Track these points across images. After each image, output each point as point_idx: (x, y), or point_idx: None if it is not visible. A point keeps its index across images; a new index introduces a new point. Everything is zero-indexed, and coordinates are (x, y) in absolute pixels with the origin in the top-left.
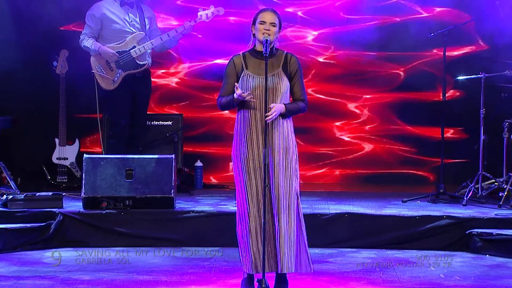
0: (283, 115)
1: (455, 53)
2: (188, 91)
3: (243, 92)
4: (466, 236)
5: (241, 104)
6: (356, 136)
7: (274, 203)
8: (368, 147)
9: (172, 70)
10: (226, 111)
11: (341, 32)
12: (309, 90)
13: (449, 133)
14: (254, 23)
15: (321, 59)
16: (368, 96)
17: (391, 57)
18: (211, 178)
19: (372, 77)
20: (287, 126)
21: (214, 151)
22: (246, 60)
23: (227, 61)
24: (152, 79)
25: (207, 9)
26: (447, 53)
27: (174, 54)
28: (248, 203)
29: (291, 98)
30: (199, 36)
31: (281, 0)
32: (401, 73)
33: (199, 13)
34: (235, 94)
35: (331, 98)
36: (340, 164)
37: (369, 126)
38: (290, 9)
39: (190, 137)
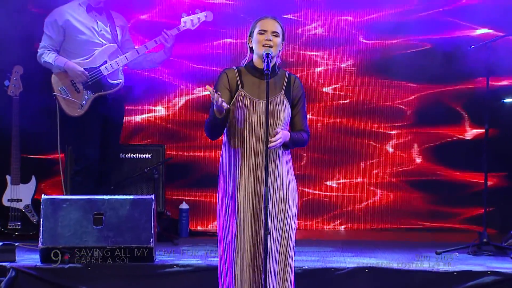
0: (285, 146)
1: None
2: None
3: (217, 94)
4: None
5: (232, 133)
6: (367, 181)
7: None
8: (382, 194)
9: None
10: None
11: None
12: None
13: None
14: (251, 34)
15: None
16: (382, 131)
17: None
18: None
19: (381, 109)
20: (288, 160)
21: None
22: (242, 77)
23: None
24: None
25: (193, 14)
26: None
27: None
28: (235, 257)
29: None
30: None
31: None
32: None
33: (182, 19)
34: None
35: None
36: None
37: (382, 170)
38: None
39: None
